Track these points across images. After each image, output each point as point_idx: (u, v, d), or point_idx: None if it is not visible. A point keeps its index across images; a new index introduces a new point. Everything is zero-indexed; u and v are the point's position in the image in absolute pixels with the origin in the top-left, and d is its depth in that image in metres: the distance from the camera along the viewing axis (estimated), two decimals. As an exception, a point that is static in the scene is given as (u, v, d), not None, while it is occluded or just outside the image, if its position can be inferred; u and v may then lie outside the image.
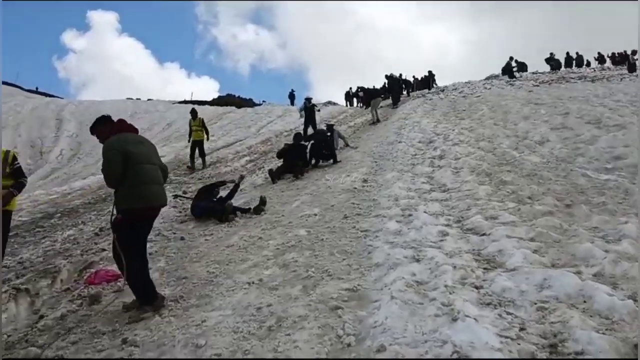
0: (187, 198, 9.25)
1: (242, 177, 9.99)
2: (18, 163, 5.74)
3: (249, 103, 44.37)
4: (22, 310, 5.10)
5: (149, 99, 43.63)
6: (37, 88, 64.66)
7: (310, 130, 17.34)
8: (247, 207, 8.22)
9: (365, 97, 25.07)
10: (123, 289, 5.40)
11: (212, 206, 8.06)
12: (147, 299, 4.50)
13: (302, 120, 18.51)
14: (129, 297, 5.10)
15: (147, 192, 4.52)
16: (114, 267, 5.89)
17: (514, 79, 23.61)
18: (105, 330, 4.24)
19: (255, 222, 7.51)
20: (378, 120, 19.04)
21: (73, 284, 5.67)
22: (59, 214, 10.03)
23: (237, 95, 52.67)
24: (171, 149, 21.62)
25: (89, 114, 32.09)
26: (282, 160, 11.65)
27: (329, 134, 13.60)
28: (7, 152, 5.58)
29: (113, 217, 4.66)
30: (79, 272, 5.99)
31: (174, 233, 7.50)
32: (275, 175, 10.87)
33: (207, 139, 15.74)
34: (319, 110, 19.98)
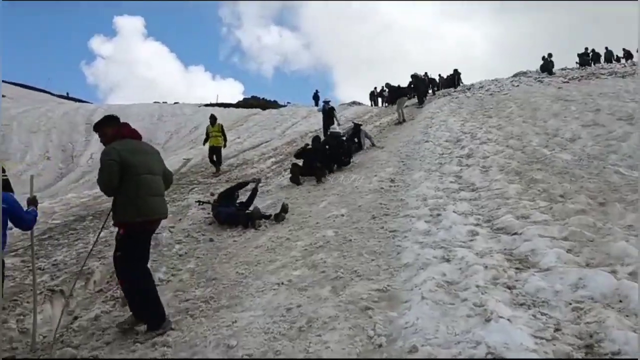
0: (210, 203, 9.03)
1: (258, 181, 9.70)
2: (5, 175, 4.54)
3: (273, 105, 44.58)
4: (57, 311, 5.21)
5: (175, 102, 44.18)
6: (67, 93, 66.33)
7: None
8: (268, 213, 8.08)
9: (390, 95, 24.63)
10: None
11: (236, 213, 7.97)
12: (154, 320, 4.22)
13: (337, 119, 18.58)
14: (161, 298, 5.16)
15: (146, 205, 4.29)
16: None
17: (553, 75, 23.13)
18: (138, 330, 4.30)
19: (282, 223, 7.53)
20: (404, 120, 18.70)
21: (106, 286, 5.77)
22: (91, 217, 10.20)
23: (261, 97, 52.96)
24: (198, 151, 21.84)
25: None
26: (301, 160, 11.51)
27: (344, 137, 13.42)
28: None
29: (116, 232, 4.46)
30: (111, 274, 6.09)
31: (203, 234, 7.57)
32: (297, 181, 10.68)
33: (225, 145, 15.34)
34: (336, 118, 19.59)
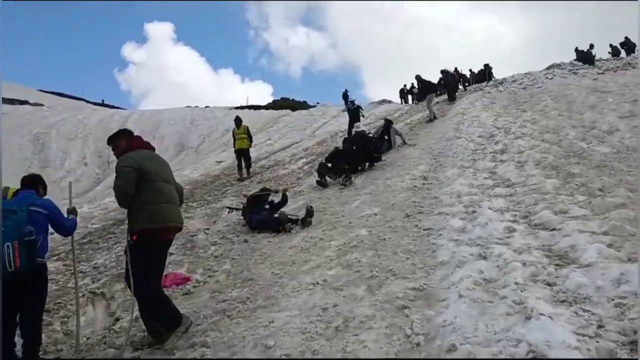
0: (239, 209, 9.06)
1: (285, 190, 9.47)
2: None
3: (303, 105, 44.70)
4: (99, 313, 5.35)
5: (206, 106, 44.73)
6: (103, 101, 67.96)
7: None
8: (296, 217, 7.99)
9: (421, 89, 23.71)
10: (192, 291, 5.58)
11: (267, 219, 7.95)
12: (171, 324, 4.18)
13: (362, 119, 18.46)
14: (198, 299, 5.26)
15: (162, 212, 4.19)
16: (182, 271, 6.10)
17: (592, 67, 22.52)
18: (178, 331, 4.37)
19: (315, 223, 7.55)
20: (435, 117, 18.17)
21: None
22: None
23: (291, 98, 53.17)
24: (229, 154, 22.03)
25: (151, 122, 33.35)
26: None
27: (370, 133, 13.42)
28: (7, 188, 5.16)
29: (128, 240, 4.33)
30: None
31: (237, 236, 7.66)
32: (323, 184, 10.57)
33: (251, 145, 14.99)
34: (364, 116, 19.45)
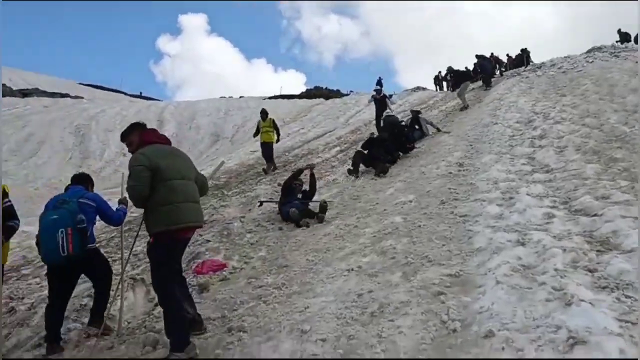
0: (272, 201, 9.01)
1: (312, 167, 9.51)
2: (9, 201, 4.94)
3: (336, 94, 44.57)
4: (139, 298, 5.49)
5: (240, 97, 45.07)
6: (141, 93, 69.38)
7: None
8: (314, 211, 7.89)
9: (454, 79, 22.85)
10: (229, 277, 5.67)
11: (292, 214, 7.76)
12: (175, 344, 3.74)
13: (392, 106, 18.06)
14: (234, 285, 5.34)
15: (179, 212, 3.89)
16: (219, 257, 6.19)
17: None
18: (215, 316, 4.45)
19: (350, 210, 7.55)
20: (467, 106, 17.33)
21: (183, 274, 6.00)
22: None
23: (324, 87, 53.09)
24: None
25: (187, 113, 33.83)
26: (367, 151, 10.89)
27: (402, 122, 13.13)
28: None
29: (146, 243, 4.17)
30: (187, 263, 6.34)
31: (272, 224, 7.72)
32: (355, 172, 10.23)
33: (277, 140, 14.45)
34: (393, 102, 18.68)
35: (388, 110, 16.56)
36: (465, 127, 13.03)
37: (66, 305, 4.69)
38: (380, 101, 16.86)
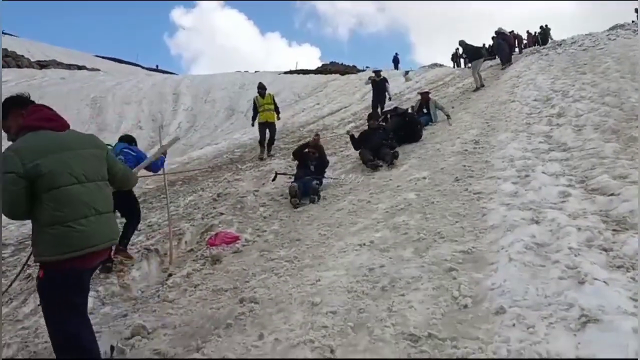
0: (288, 174, 8.79)
1: (318, 137, 9.03)
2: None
3: (352, 70, 44.15)
4: (153, 268, 5.58)
5: (256, 71, 44.82)
6: (157, 66, 69.48)
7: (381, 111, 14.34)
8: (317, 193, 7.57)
9: (467, 55, 20.16)
10: (242, 250, 5.72)
11: (290, 188, 7.56)
12: None
13: (406, 83, 17.43)
14: (247, 257, 5.38)
15: (76, 233, 2.78)
16: (232, 230, 6.24)
17: None
18: (227, 287, 4.52)
19: (363, 186, 7.53)
20: (482, 85, 16.24)
21: (196, 245, 6.07)
22: (180, 182, 10.72)
23: (340, 63, 52.62)
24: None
25: (202, 87, 33.76)
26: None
27: (410, 109, 11.98)
28: None
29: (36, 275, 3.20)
30: (201, 235, 6.40)
31: (285, 198, 7.74)
32: (365, 159, 8.84)
33: (278, 118, 12.70)
34: (389, 98, 16.27)
35: (387, 96, 15.46)
36: (482, 104, 12.85)
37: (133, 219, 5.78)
38: (379, 85, 15.22)
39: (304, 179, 7.89)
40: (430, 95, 13.00)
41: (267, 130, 12.21)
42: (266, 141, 12.27)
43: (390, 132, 9.85)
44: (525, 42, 30.12)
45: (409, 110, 11.93)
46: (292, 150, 9.77)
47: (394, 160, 8.61)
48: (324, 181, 8.27)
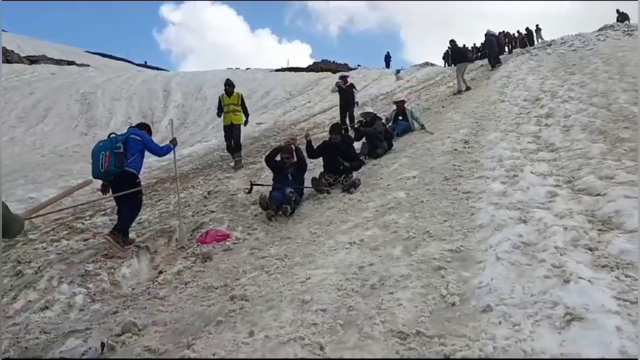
0: (265, 185, 7.83)
1: (293, 140, 8.33)
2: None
3: (344, 68, 44.16)
4: (143, 266, 5.58)
5: (247, 68, 44.78)
6: (145, 62, 69.12)
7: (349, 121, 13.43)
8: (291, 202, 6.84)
9: (451, 56, 19.29)
10: (232, 248, 5.74)
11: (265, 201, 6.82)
12: None
13: (397, 82, 17.32)
14: (238, 255, 5.41)
15: None
16: (223, 228, 6.26)
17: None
18: (218, 285, 4.54)
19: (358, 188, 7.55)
20: (467, 88, 15.90)
21: (187, 243, 6.08)
22: (171, 179, 10.70)
23: (332, 61, 52.58)
24: (270, 115, 22.25)
25: (193, 84, 33.62)
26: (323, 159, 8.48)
27: (383, 120, 10.96)
28: None
29: None
30: (192, 232, 6.42)
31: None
32: (319, 186, 7.67)
33: (246, 122, 11.09)
34: (357, 104, 14.66)
35: (357, 104, 14.30)
36: (472, 104, 12.95)
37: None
38: (346, 92, 13.88)
39: (283, 189, 7.04)
40: (406, 106, 12.32)
41: (233, 134, 10.74)
42: (233, 148, 10.92)
43: (351, 147, 8.71)
44: (516, 40, 30.28)
45: (384, 121, 11.13)
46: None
47: (351, 189, 7.33)
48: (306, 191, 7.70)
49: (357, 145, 9.57)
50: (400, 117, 11.62)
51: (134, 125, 6.98)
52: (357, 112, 13.69)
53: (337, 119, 14.25)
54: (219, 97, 10.99)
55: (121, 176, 6.01)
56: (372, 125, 10.02)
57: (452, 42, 17.98)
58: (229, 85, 10.95)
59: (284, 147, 8.04)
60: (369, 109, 11.32)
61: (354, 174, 7.99)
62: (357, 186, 7.39)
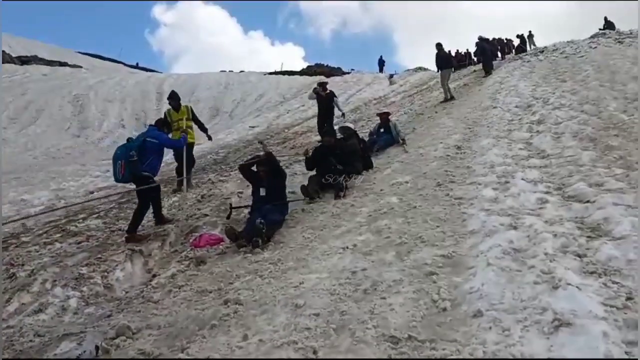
0: (245, 206, 7.17)
1: (265, 149, 7.58)
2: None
3: (337, 72, 44.31)
4: (137, 269, 5.60)
5: (241, 71, 44.79)
6: (137, 64, 68.91)
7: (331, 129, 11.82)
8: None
9: (437, 62, 17.46)
10: (226, 252, 5.76)
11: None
12: None
13: (390, 87, 17.17)
14: (231, 259, 5.43)
15: None
16: (216, 232, 6.28)
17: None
18: (212, 289, 4.56)
19: (347, 190, 7.59)
20: (452, 97, 15.54)
21: (180, 247, 6.10)
22: (164, 183, 10.70)
23: (325, 64, 52.71)
24: (264, 119, 22.31)
25: (186, 86, 33.56)
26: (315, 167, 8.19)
27: (366, 135, 10.48)
28: None
29: None
30: (185, 236, 6.44)
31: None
32: (310, 193, 7.36)
33: (209, 137, 10.28)
34: (343, 114, 13.59)
35: (339, 117, 13.09)
36: (465, 109, 13.05)
37: (145, 206, 6.71)
38: (326, 101, 12.35)
39: (262, 209, 6.41)
40: (390, 118, 11.52)
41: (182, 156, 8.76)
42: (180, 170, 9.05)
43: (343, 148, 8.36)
44: (509, 46, 30.49)
45: (367, 134, 10.76)
46: (277, 153, 8.91)
47: (340, 193, 7.14)
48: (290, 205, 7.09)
49: None
50: (382, 130, 10.88)
51: (152, 124, 7.49)
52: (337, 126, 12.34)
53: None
54: (165, 113, 9.48)
55: (137, 180, 6.67)
56: (347, 142, 9.02)
57: (439, 45, 17.25)
58: (173, 99, 9.42)
59: (262, 160, 7.13)
60: (349, 124, 10.28)
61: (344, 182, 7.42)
62: (343, 190, 7.20)
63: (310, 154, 8.28)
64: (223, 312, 3.92)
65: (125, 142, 6.88)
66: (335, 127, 11.75)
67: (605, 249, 3.71)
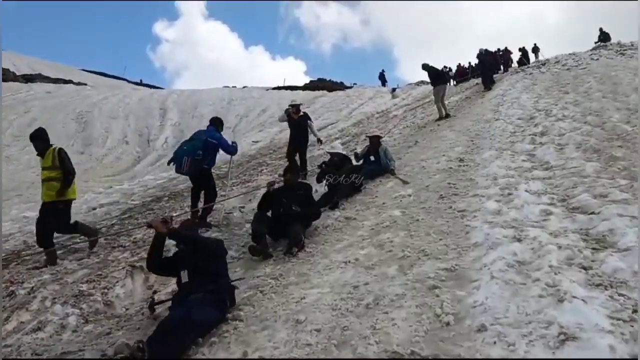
0: (164, 302, 4.84)
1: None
2: None
3: (339, 86, 44.51)
4: (137, 286, 5.55)
5: (244, 87, 45.07)
6: (141, 80, 69.48)
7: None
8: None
9: (430, 78, 16.30)
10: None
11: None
12: None
13: (392, 100, 17.28)
14: (232, 275, 5.37)
15: None
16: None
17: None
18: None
19: (349, 203, 7.56)
20: (447, 115, 14.83)
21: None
22: (167, 197, 10.70)
23: (328, 79, 52.99)
24: (266, 134, 22.37)
25: (189, 102, 33.84)
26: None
27: (354, 156, 9.54)
28: None
29: None
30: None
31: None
32: (259, 252, 5.84)
33: (73, 197, 6.92)
34: (320, 141, 11.51)
35: (319, 142, 11.37)
36: (468, 122, 13.03)
37: (197, 198, 7.75)
38: (298, 124, 10.49)
39: (186, 302, 4.23)
40: (381, 140, 9.94)
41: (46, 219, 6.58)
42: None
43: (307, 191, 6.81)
44: (511, 58, 30.53)
45: (354, 157, 9.55)
46: (278, 166, 8.82)
47: (293, 249, 5.68)
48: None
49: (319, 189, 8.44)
50: (372, 158, 9.38)
51: (209, 125, 7.90)
52: (320, 151, 12.21)
53: (333, 137, 13.65)
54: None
55: (198, 173, 7.44)
56: (339, 167, 8.31)
57: (425, 66, 15.97)
58: (38, 139, 6.81)
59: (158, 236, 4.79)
60: (339, 149, 9.25)
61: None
62: (301, 248, 5.74)
63: (272, 189, 6.64)
64: (223, 329, 3.88)
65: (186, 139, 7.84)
66: (322, 150, 11.30)
67: (611, 261, 3.65)
